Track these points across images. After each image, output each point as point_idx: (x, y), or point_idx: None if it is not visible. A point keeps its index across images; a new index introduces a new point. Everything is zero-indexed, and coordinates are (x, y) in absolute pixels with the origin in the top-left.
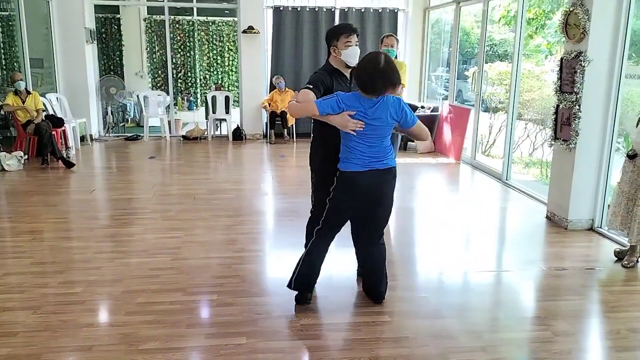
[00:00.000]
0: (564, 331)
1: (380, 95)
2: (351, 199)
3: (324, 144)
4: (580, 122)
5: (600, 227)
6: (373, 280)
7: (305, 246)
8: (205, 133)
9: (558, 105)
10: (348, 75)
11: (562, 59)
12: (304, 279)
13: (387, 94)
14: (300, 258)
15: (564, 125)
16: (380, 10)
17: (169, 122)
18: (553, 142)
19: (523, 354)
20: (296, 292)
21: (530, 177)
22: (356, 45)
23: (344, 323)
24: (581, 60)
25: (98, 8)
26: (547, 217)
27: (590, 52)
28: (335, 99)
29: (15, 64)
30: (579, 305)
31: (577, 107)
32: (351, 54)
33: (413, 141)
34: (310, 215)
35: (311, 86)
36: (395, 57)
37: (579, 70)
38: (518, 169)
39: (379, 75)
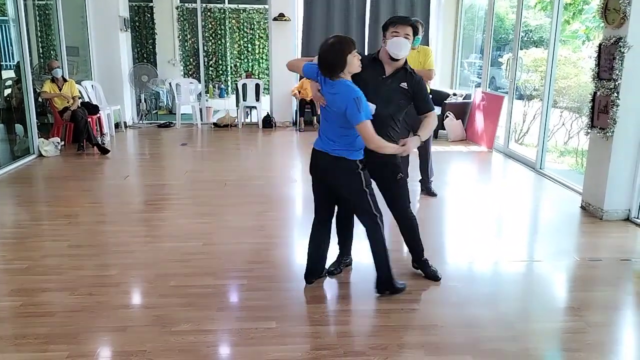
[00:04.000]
0: (597, 322)
1: (328, 77)
2: (313, 175)
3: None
4: (618, 109)
5: (637, 218)
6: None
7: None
8: (236, 120)
9: (595, 93)
10: (389, 70)
11: (600, 44)
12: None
13: (345, 81)
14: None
15: (601, 113)
16: None
17: (200, 110)
18: (589, 131)
19: (555, 344)
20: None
21: (565, 166)
22: (405, 37)
23: (373, 310)
24: (620, 46)
25: None
26: (581, 207)
27: (630, 37)
28: (315, 67)
29: (52, 52)
30: (613, 297)
31: (616, 94)
32: (393, 44)
33: (444, 129)
34: None
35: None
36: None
37: (618, 57)
38: (552, 158)
39: (320, 55)
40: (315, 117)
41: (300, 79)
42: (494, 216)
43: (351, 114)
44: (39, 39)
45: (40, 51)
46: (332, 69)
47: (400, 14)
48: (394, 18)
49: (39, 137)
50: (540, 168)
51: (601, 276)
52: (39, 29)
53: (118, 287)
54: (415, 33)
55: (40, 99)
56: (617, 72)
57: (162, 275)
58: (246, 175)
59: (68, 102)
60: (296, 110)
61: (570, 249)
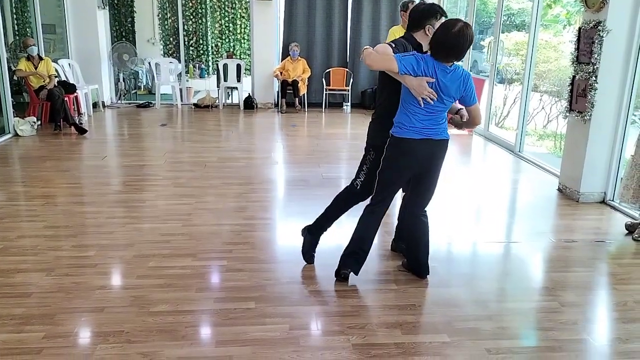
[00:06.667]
0: (571, 302)
1: (451, 63)
2: (404, 167)
3: (389, 120)
4: (596, 93)
5: (612, 200)
6: (417, 253)
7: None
8: (217, 101)
9: (574, 76)
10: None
11: (580, 28)
12: (352, 255)
13: (458, 65)
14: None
15: (579, 97)
16: None
17: (181, 90)
18: (568, 114)
19: (529, 323)
20: (338, 266)
21: (543, 149)
22: None
23: (351, 290)
24: (600, 30)
25: None
26: (559, 189)
27: (609, 22)
28: (414, 59)
29: (27, 29)
30: (587, 277)
31: (594, 78)
32: None
33: None
34: (351, 189)
35: (393, 45)
36: None
37: (597, 41)
38: (531, 141)
39: (452, 40)
40: (297, 99)
41: (282, 59)
42: (473, 198)
43: (471, 95)
44: (14, 16)
45: (16, 28)
46: (462, 54)
47: None
48: (440, 9)
49: (14, 117)
50: (519, 151)
51: (576, 257)
52: (14, 5)
53: (95, 268)
54: None
55: (15, 78)
56: (596, 56)
57: (141, 256)
58: (227, 156)
59: (44, 81)
60: (278, 92)
61: (546, 231)
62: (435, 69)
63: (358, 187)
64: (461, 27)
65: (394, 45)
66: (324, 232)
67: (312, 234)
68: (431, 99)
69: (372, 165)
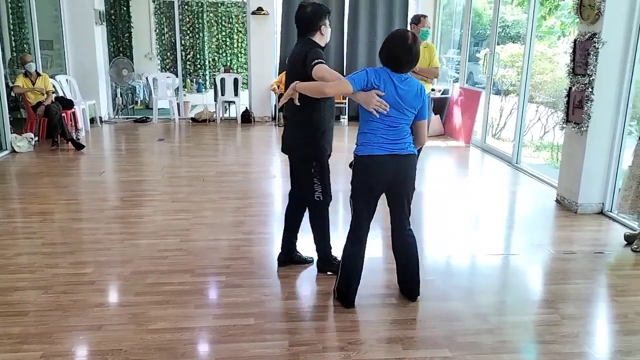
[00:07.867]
0: (571, 314)
1: (407, 73)
2: (373, 186)
3: (318, 125)
4: (592, 105)
5: (611, 211)
6: (407, 275)
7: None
8: (214, 115)
9: (570, 88)
10: None
11: (575, 40)
12: (345, 287)
13: (409, 75)
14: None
15: (576, 108)
16: None
17: (178, 105)
18: (564, 125)
19: (530, 336)
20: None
21: (540, 160)
22: None
23: None
24: (595, 42)
25: None
26: (556, 200)
27: (604, 33)
28: (364, 74)
29: (25, 45)
30: (587, 289)
31: (590, 89)
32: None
33: None
34: (317, 203)
35: (322, 61)
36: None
37: (592, 52)
38: (528, 153)
39: (408, 51)
40: None
41: (279, 73)
42: (471, 210)
43: (424, 108)
44: (12, 32)
45: (13, 45)
46: (416, 61)
47: (380, 10)
48: (325, 6)
49: (11, 133)
50: (517, 162)
51: (575, 269)
52: (11, 21)
53: (93, 285)
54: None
55: (13, 94)
56: (592, 68)
57: (138, 272)
58: (225, 171)
59: (42, 97)
60: (275, 105)
61: (545, 242)
62: (391, 79)
63: (321, 198)
64: (412, 35)
65: (323, 61)
66: (329, 249)
67: (324, 262)
68: (383, 108)
69: (321, 175)
